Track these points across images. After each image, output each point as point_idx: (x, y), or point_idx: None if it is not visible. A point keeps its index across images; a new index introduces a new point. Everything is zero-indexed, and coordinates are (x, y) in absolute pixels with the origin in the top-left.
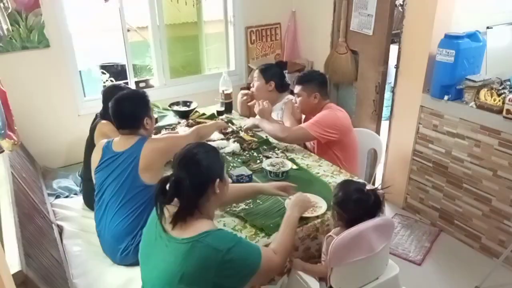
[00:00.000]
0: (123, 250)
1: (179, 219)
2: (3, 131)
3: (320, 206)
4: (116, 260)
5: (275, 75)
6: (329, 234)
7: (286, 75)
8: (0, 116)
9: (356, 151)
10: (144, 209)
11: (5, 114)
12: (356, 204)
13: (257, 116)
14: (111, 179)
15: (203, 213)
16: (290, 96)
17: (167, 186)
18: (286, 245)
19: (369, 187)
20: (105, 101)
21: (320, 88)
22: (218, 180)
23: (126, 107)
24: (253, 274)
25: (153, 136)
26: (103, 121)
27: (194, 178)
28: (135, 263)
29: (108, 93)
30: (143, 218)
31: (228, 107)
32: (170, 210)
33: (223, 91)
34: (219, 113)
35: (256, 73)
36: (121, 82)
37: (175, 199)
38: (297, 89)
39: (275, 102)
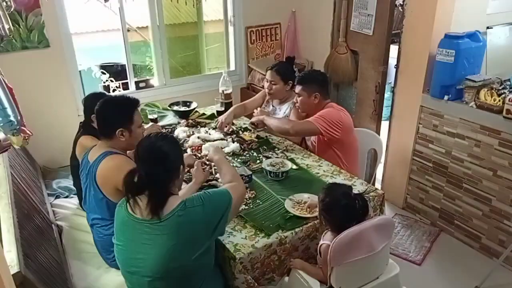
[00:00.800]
0: (112, 260)
1: (158, 205)
2: (18, 127)
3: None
4: (109, 265)
5: (291, 74)
6: (322, 242)
7: (296, 69)
8: (14, 111)
9: (357, 152)
10: None
11: (17, 108)
12: (344, 210)
13: (258, 115)
14: (86, 189)
15: (171, 193)
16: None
17: (135, 178)
18: (234, 174)
19: (358, 188)
20: (85, 110)
21: (321, 88)
22: (181, 166)
23: (103, 110)
24: (230, 204)
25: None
26: (84, 136)
27: (164, 170)
28: None
29: (88, 102)
30: None
31: (228, 107)
32: (142, 199)
33: (223, 91)
34: (219, 113)
35: (271, 75)
36: (102, 91)
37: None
38: (297, 89)
39: (288, 99)
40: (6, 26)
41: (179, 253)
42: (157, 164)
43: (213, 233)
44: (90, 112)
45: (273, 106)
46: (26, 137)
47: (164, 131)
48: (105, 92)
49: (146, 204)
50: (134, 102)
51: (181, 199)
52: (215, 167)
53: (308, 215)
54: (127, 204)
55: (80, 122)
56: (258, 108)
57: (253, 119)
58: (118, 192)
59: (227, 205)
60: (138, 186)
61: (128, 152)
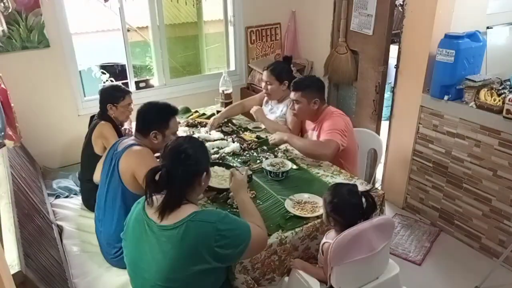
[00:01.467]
0: (115, 255)
1: (168, 207)
2: (3, 133)
3: (320, 206)
4: (110, 263)
5: (287, 73)
6: (325, 241)
7: (293, 69)
8: (1, 118)
9: (356, 154)
10: None
11: (5, 113)
12: (354, 208)
13: (279, 133)
14: (107, 178)
15: (188, 201)
16: None
17: (157, 176)
18: (261, 219)
19: (360, 188)
20: (101, 102)
21: (320, 94)
22: (205, 173)
23: (144, 111)
24: (246, 244)
25: (136, 150)
26: (103, 122)
27: (185, 170)
28: None
29: (106, 93)
30: None
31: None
32: (158, 199)
33: (223, 91)
34: (219, 113)
35: (266, 75)
36: (119, 83)
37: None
38: (295, 95)
39: (286, 97)
40: (0, 28)
41: (180, 265)
42: (179, 164)
43: (217, 258)
44: (107, 99)
45: (271, 105)
46: (16, 142)
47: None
48: (121, 85)
49: (158, 204)
50: (173, 109)
51: (196, 209)
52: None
53: (308, 215)
54: (145, 203)
55: (91, 116)
56: (255, 107)
57: (275, 141)
58: (135, 181)
59: (242, 243)
60: (158, 184)
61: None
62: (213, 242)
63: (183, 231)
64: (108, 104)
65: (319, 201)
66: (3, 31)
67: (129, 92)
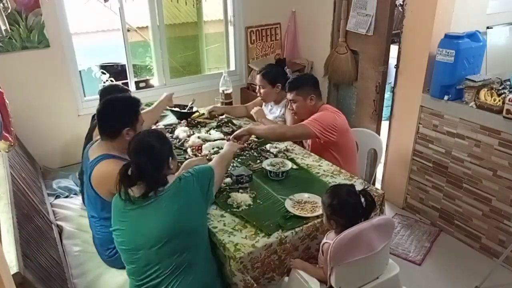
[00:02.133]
0: (109, 255)
1: (155, 188)
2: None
3: (319, 205)
4: (106, 263)
5: (279, 76)
6: (325, 241)
7: (287, 71)
8: None
9: (354, 152)
10: None
11: (1, 115)
12: (353, 207)
13: (250, 124)
14: (85, 185)
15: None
16: None
17: (129, 171)
18: (218, 165)
19: (357, 187)
20: (101, 98)
21: (315, 89)
22: (170, 158)
23: (109, 110)
24: (213, 173)
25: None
26: None
27: (152, 161)
28: None
29: (106, 93)
30: None
31: None
32: (134, 191)
33: (223, 91)
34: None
35: (258, 79)
36: (119, 83)
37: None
38: (291, 95)
39: (282, 99)
40: (3, 27)
41: (183, 213)
42: (146, 157)
43: (207, 194)
44: None
45: (270, 105)
46: (12, 144)
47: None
48: (120, 84)
49: (141, 190)
50: (138, 101)
51: (175, 177)
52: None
53: (308, 215)
54: (122, 195)
55: (92, 116)
56: (255, 108)
57: (237, 132)
58: (112, 195)
59: (211, 175)
60: (131, 178)
61: None
62: (198, 187)
63: (176, 190)
64: (126, 128)
65: (319, 200)
66: (5, 30)
67: (128, 91)
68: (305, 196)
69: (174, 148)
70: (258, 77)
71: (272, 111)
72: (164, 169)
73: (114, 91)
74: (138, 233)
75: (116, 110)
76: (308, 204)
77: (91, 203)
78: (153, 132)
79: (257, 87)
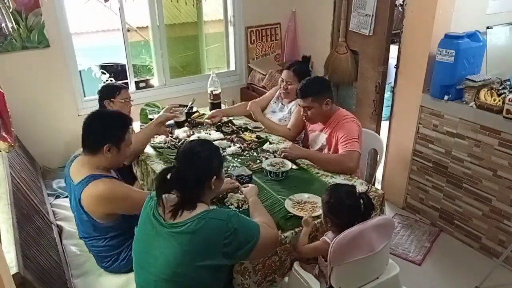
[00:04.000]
0: (106, 266)
1: (182, 208)
2: None
3: (319, 206)
4: (105, 270)
5: (307, 74)
6: (325, 237)
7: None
8: None
9: (361, 155)
10: (114, 236)
11: (0, 117)
12: (350, 209)
13: (299, 148)
14: (73, 208)
15: (201, 201)
16: None
17: (168, 176)
18: (272, 220)
19: (359, 188)
20: (100, 99)
21: (329, 93)
22: (215, 177)
23: (92, 123)
24: (255, 242)
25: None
26: None
27: (194, 172)
28: (129, 270)
29: (102, 90)
30: (118, 242)
31: (217, 108)
32: (168, 199)
33: (211, 91)
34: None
35: (287, 74)
36: (118, 82)
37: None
38: (305, 102)
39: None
40: (10, 25)
41: (188, 260)
42: (189, 166)
43: (226, 255)
44: (103, 96)
45: (282, 104)
46: (12, 144)
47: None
48: (116, 82)
49: (172, 203)
50: (128, 120)
51: (208, 208)
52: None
53: (308, 215)
54: (156, 199)
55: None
56: (250, 102)
57: (286, 153)
58: (108, 216)
59: (251, 241)
60: (168, 184)
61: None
62: (223, 240)
63: (194, 228)
64: (105, 100)
65: (319, 201)
66: (12, 27)
67: (125, 87)
68: (305, 196)
69: (173, 148)
70: (286, 72)
71: (283, 109)
72: (205, 185)
73: (111, 87)
74: (148, 249)
75: (102, 123)
76: (308, 204)
77: (82, 225)
78: (208, 144)
79: (283, 82)
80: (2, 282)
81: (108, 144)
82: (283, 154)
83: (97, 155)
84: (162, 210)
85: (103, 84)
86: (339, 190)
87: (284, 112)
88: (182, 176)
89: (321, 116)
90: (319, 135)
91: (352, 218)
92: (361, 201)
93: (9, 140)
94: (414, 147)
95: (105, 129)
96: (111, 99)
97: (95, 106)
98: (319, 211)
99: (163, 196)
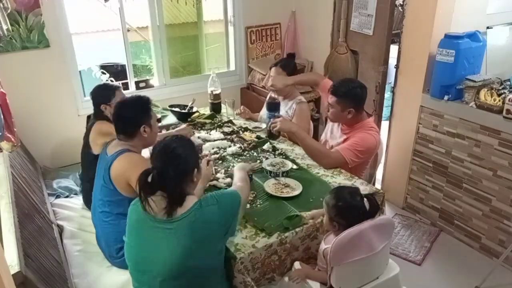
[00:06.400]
0: (117, 256)
1: (175, 206)
2: (0, 134)
3: (294, 189)
4: (113, 264)
5: (294, 69)
6: (325, 247)
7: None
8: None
9: (368, 163)
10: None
11: (3, 116)
12: (358, 210)
13: (288, 122)
14: (98, 180)
15: (188, 194)
16: (301, 98)
17: (149, 178)
18: (243, 177)
19: (361, 188)
20: (94, 104)
21: (357, 104)
22: (195, 169)
23: (124, 112)
24: (240, 204)
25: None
26: (99, 121)
27: (175, 169)
28: None
29: (95, 96)
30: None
31: (217, 108)
32: (155, 200)
33: (212, 91)
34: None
35: (275, 71)
36: (109, 83)
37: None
38: (331, 99)
39: (292, 95)
40: (5, 27)
41: (194, 252)
42: (169, 164)
43: (226, 233)
44: (99, 101)
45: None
46: (15, 144)
47: (193, 132)
48: (107, 83)
49: (161, 204)
50: (148, 99)
51: (197, 198)
52: (215, 167)
53: (278, 194)
54: (142, 204)
55: (88, 116)
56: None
57: (281, 127)
58: (129, 188)
59: (238, 205)
60: (151, 186)
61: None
62: (222, 220)
63: (194, 220)
64: (102, 105)
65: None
66: (7, 29)
67: (118, 88)
68: (292, 182)
69: None
70: (274, 69)
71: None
72: (187, 180)
73: (103, 91)
74: (146, 253)
75: (130, 110)
76: (288, 188)
77: (106, 196)
78: (181, 139)
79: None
80: (1, 282)
81: (144, 125)
82: (272, 125)
83: (134, 139)
84: (152, 212)
85: (94, 87)
86: (344, 192)
87: (280, 111)
88: (164, 176)
89: (340, 120)
90: (338, 131)
91: (359, 218)
92: (367, 201)
93: (13, 140)
94: (414, 147)
95: (137, 112)
96: (108, 104)
97: None
98: (291, 194)
99: (149, 198)
